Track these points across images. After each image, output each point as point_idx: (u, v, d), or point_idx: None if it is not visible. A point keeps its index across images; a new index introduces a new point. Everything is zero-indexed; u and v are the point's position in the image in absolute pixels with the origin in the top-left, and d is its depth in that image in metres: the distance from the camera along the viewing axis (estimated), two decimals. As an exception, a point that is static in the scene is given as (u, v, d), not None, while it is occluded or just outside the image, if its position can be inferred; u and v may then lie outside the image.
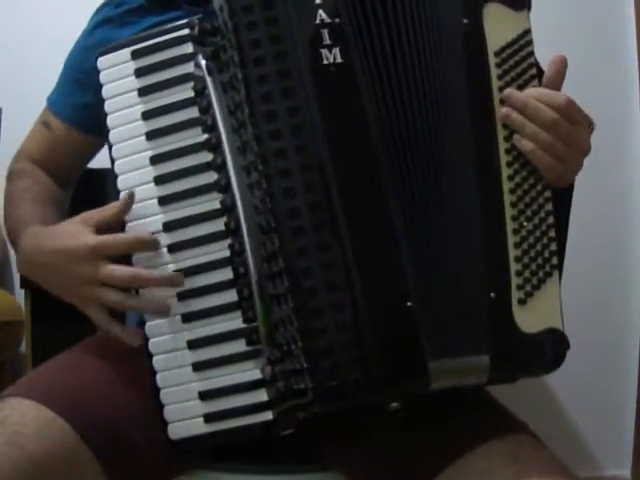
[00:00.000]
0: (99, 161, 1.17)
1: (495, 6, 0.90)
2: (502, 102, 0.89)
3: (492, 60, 0.89)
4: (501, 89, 0.89)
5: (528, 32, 0.91)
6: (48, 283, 0.95)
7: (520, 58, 0.90)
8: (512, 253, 0.87)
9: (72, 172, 1.20)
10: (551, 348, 0.86)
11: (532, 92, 0.89)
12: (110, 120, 0.93)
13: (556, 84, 0.90)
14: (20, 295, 1.67)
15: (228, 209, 0.87)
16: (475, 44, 0.89)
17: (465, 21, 0.90)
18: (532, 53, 0.91)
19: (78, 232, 0.92)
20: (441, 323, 0.84)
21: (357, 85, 0.85)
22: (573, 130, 0.89)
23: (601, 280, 1.82)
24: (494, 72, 0.89)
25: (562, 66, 0.90)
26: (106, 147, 0.95)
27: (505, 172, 0.88)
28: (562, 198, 0.92)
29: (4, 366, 1.74)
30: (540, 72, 0.91)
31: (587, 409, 1.88)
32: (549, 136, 0.87)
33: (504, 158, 0.88)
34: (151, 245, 0.90)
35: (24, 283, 1.60)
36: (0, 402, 0.87)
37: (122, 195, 0.92)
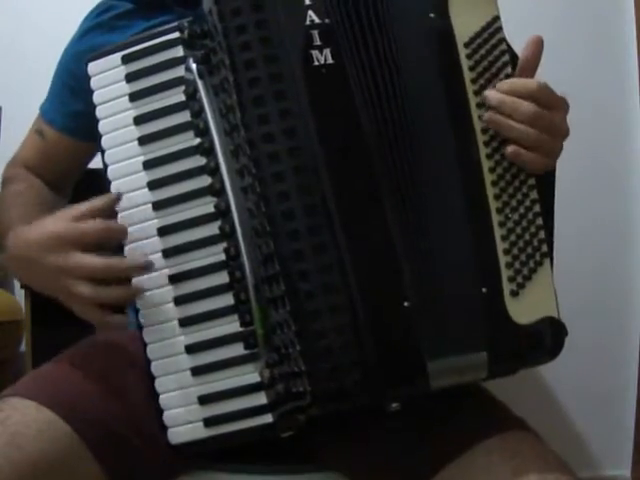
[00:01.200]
0: (100, 161, 1.17)
1: None
2: (479, 105, 0.88)
3: (462, 52, 0.88)
4: (473, 81, 0.88)
5: (497, 19, 0.90)
6: (30, 278, 0.94)
7: (491, 46, 0.89)
8: (500, 246, 0.86)
9: (68, 178, 1.20)
10: (549, 336, 0.86)
11: (504, 86, 0.88)
12: (102, 126, 0.93)
13: (531, 66, 0.89)
14: (20, 295, 1.66)
15: (222, 213, 0.87)
16: (444, 38, 0.88)
17: (432, 15, 0.89)
18: (503, 40, 0.89)
19: (53, 223, 0.90)
20: (438, 322, 0.84)
21: (349, 86, 0.84)
22: (552, 117, 0.88)
23: (601, 280, 1.80)
24: (465, 64, 0.88)
25: (538, 47, 0.89)
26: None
27: (486, 165, 0.87)
28: (545, 181, 0.91)
29: (4, 366, 1.74)
30: (514, 57, 0.90)
31: (587, 409, 1.88)
32: (534, 131, 0.86)
33: (483, 150, 0.88)
34: (119, 234, 0.89)
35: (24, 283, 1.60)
36: (0, 402, 0.87)
37: (110, 193, 0.92)
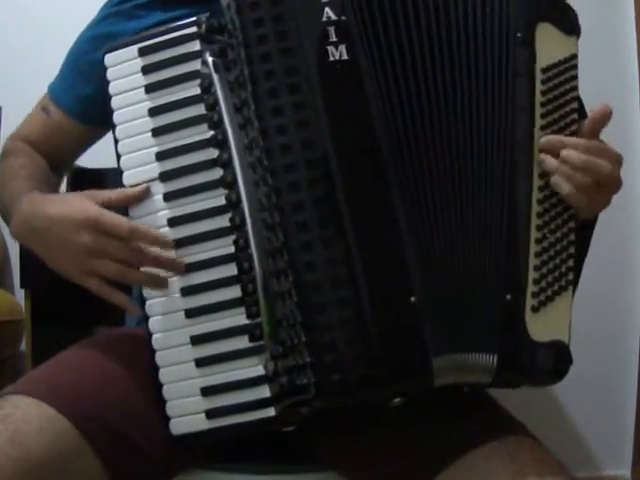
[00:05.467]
0: (99, 161, 1.17)
1: (548, 26, 0.92)
2: (543, 128, 0.90)
3: (538, 76, 0.90)
4: (542, 105, 0.90)
5: (575, 57, 0.93)
6: (44, 250, 0.94)
7: (564, 79, 0.91)
8: (532, 261, 0.87)
9: (65, 159, 1.19)
10: (556, 360, 0.87)
11: (579, 145, 0.89)
12: (117, 116, 0.93)
13: (597, 131, 0.92)
14: (20, 295, 1.66)
15: (233, 205, 0.88)
16: (526, 56, 0.90)
17: (519, 35, 0.91)
18: (576, 77, 0.92)
19: (81, 202, 0.91)
20: (448, 319, 0.84)
21: (362, 82, 0.86)
22: (615, 172, 0.91)
23: (602, 280, 1.80)
24: (538, 87, 0.90)
25: (606, 117, 0.91)
26: (108, 146, 0.96)
27: (536, 183, 0.89)
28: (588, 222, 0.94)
29: (4, 365, 1.73)
30: (579, 101, 0.93)
31: (587, 409, 1.88)
32: (585, 177, 0.89)
33: (537, 169, 0.89)
34: (154, 240, 0.90)
35: (24, 283, 1.60)
36: (1, 400, 0.87)
37: (136, 186, 0.92)
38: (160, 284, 0.90)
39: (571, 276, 0.89)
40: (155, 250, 0.90)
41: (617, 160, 0.91)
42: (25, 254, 1.54)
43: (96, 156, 1.19)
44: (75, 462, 0.85)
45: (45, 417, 0.84)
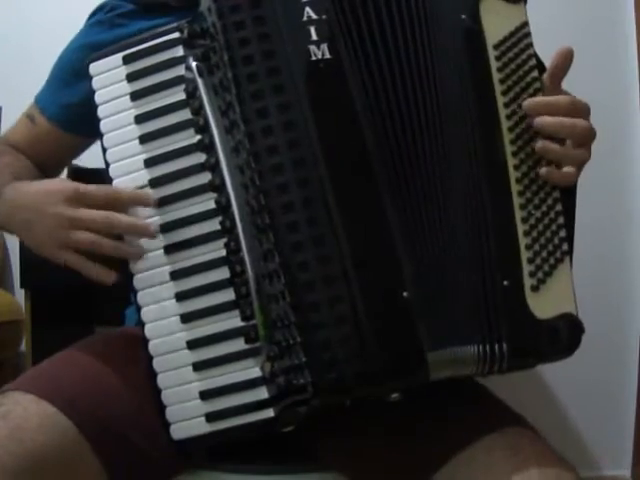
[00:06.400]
0: (99, 161, 1.17)
1: (492, 0, 0.91)
2: (506, 105, 0.89)
3: (492, 53, 0.89)
4: (501, 81, 0.89)
5: (526, 24, 0.91)
6: (22, 227, 0.94)
7: (519, 50, 0.90)
8: (522, 241, 0.87)
9: (52, 167, 1.19)
10: (566, 333, 0.86)
11: (539, 107, 0.88)
12: (103, 125, 0.93)
13: (559, 75, 0.90)
14: (20, 295, 1.67)
15: (223, 208, 0.88)
16: (475, 39, 0.89)
17: (463, 17, 0.90)
18: (531, 45, 0.91)
19: (61, 180, 0.93)
20: (441, 313, 0.85)
21: (346, 80, 0.86)
22: (588, 126, 0.89)
23: (601, 279, 1.82)
24: (494, 65, 0.89)
25: (567, 58, 0.90)
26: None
27: (511, 162, 0.88)
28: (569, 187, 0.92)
29: (4, 365, 1.75)
30: (540, 64, 0.91)
31: (587, 409, 1.88)
32: (580, 151, 0.88)
33: (509, 148, 0.88)
34: (142, 200, 0.90)
35: (24, 283, 1.60)
36: (2, 396, 0.87)
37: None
38: (135, 253, 0.91)
39: (565, 247, 0.88)
40: (129, 217, 0.90)
41: (582, 109, 0.90)
42: (25, 254, 1.54)
43: (96, 156, 1.18)
44: (74, 459, 0.85)
45: (45, 414, 0.85)
